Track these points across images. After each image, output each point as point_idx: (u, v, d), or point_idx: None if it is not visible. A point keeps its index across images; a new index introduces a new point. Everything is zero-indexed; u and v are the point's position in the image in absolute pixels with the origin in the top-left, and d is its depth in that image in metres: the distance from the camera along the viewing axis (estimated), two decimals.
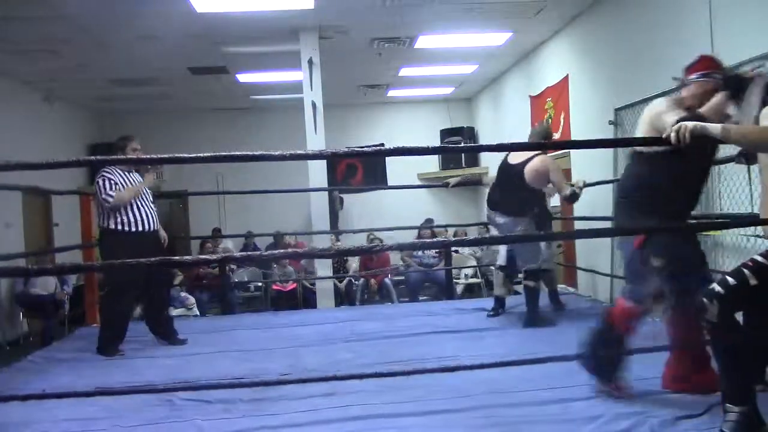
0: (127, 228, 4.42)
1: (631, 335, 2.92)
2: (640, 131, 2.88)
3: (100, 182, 4.40)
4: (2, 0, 5.41)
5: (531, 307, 4.68)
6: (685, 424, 2.58)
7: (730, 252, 4.29)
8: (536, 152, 4.48)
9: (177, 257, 3.05)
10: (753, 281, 2.37)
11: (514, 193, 4.51)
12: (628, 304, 2.91)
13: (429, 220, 8.97)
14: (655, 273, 2.79)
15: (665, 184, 2.81)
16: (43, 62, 7.40)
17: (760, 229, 3.69)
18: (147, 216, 4.50)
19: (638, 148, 2.91)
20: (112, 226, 4.41)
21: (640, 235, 2.83)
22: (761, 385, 2.71)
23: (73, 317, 6.60)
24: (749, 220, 3.13)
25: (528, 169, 4.42)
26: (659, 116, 2.73)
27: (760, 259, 2.42)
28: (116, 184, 4.39)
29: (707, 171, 2.98)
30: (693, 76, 2.83)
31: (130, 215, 4.43)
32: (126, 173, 4.51)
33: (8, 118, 7.79)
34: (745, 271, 2.40)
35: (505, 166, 4.61)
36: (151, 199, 4.64)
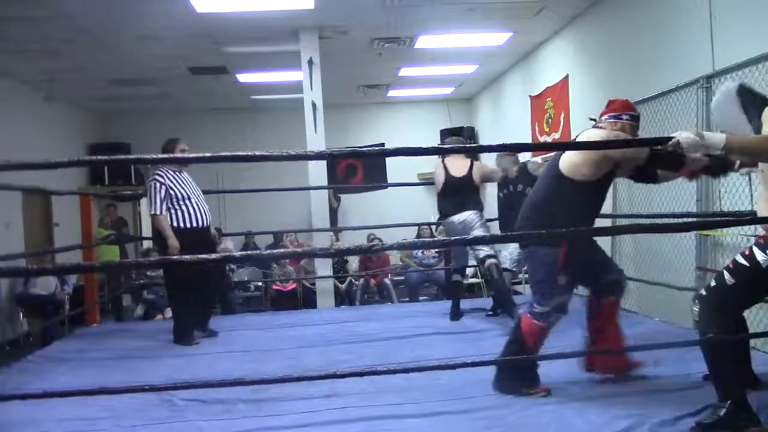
0: (181, 224, 4.56)
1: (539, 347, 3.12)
2: (580, 156, 2.99)
3: (152, 187, 4.56)
4: (2, 0, 5.41)
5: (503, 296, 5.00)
6: (684, 425, 2.57)
7: (729, 252, 4.28)
8: (471, 160, 5.06)
9: (176, 256, 3.05)
10: (731, 281, 2.50)
11: (468, 196, 5.02)
12: (538, 322, 3.06)
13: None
14: (564, 289, 3.04)
15: (587, 210, 3.06)
16: (43, 62, 7.40)
17: (760, 230, 3.69)
18: (199, 213, 4.65)
19: (567, 174, 3.00)
20: (173, 224, 4.54)
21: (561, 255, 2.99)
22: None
23: (73, 317, 6.58)
24: (748, 218, 3.13)
25: (475, 176, 5.01)
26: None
27: (740, 259, 2.53)
28: (167, 188, 4.52)
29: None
30: (604, 117, 3.13)
31: (185, 211, 4.58)
32: (176, 173, 4.66)
33: (8, 118, 7.78)
34: (725, 273, 2.54)
35: (452, 180, 5.05)
36: (202, 195, 4.79)
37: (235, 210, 10.85)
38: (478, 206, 5.07)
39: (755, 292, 2.62)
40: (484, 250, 4.95)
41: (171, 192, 4.53)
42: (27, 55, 7.07)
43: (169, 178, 4.57)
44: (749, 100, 2.64)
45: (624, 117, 3.09)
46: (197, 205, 4.65)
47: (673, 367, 3.29)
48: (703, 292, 2.62)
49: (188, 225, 4.57)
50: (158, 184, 4.52)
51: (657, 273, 5.02)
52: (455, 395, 3.07)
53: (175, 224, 4.53)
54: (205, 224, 4.68)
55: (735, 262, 2.54)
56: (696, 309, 2.59)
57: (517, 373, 3.10)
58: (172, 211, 4.55)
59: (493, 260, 4.89)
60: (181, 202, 4.57)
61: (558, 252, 2.97)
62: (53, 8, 5.66)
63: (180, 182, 4.62)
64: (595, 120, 3.24)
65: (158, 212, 4.50)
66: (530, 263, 3.28)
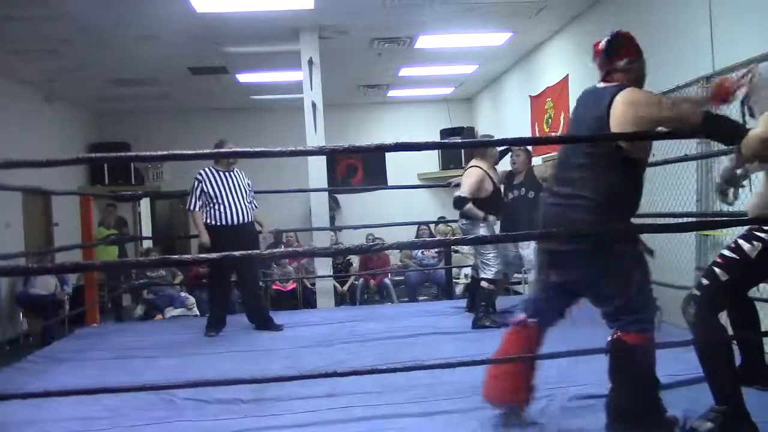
0: (214, 222, 4.83)
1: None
2: (620, 126, 2.37)
3: (193, 185, 4.89)
4: (2, 0, 5.41)
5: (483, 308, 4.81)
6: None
7: None
8: (469, 165, 5.01)
9: (176, 256, 3.06)
10: (724, 277, 2.43)
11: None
12: (641, 334, 2.41)
13: (441, 218, 9.14)
14: (638, 286, 2.43)
15: (633, 188, 2.48)
16: (43, 62, 7.39)
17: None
18: (234, 211, 4.84)
19: (605, 152, 2.40)
20: (206, 221, 4.86)
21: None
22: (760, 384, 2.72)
23: (73, 317, 6.59)
24: (747, 218, 3.12)
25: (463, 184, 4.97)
26: (648, 107, 2.37)
27: (726, 252, 2.46)
28: (202, 187, 4.82)
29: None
30: (622, 63, 2.47)
31: (217, 209, 4.84)
32: (220, 172, 4.91)
33: (8, 118, 7.78)
34: (715, 269, 2.46)
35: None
36: (244, 193, 4.95)
37: None
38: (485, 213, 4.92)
39: (749, 283, 2.59)
40: (490, 269, 4.83)
41: (205, 191, 4.82)
42: (27, 55, 7.07)
43: (206, 178, 4.85)
44: None
45: (642, 57, 2.51)
46: (233, 203, 4.85)
47: (673, 368, 3.28)
48: (696, 292, 2.47)
49: (220, 222, 4.80)
50: (196, 182, 4.87)
51: (657, 273, 4.99)
52: (456, 394, 3.07)
53: (207, 221, 4.83)
54: (239, 222, 4.85)
55: (724, 256, 2.46)
56: (692, 310, 2.43)
57: (646, 413, 2.44)
58: (207, 208, 4.84)
59: (489, 286, 4.84)
60: (215, 201, 4.81)
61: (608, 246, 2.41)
62: (53, 8, 5.66)
63: (219, 181, 4.85)
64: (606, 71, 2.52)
65: (190, 208, 4.88)
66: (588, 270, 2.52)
